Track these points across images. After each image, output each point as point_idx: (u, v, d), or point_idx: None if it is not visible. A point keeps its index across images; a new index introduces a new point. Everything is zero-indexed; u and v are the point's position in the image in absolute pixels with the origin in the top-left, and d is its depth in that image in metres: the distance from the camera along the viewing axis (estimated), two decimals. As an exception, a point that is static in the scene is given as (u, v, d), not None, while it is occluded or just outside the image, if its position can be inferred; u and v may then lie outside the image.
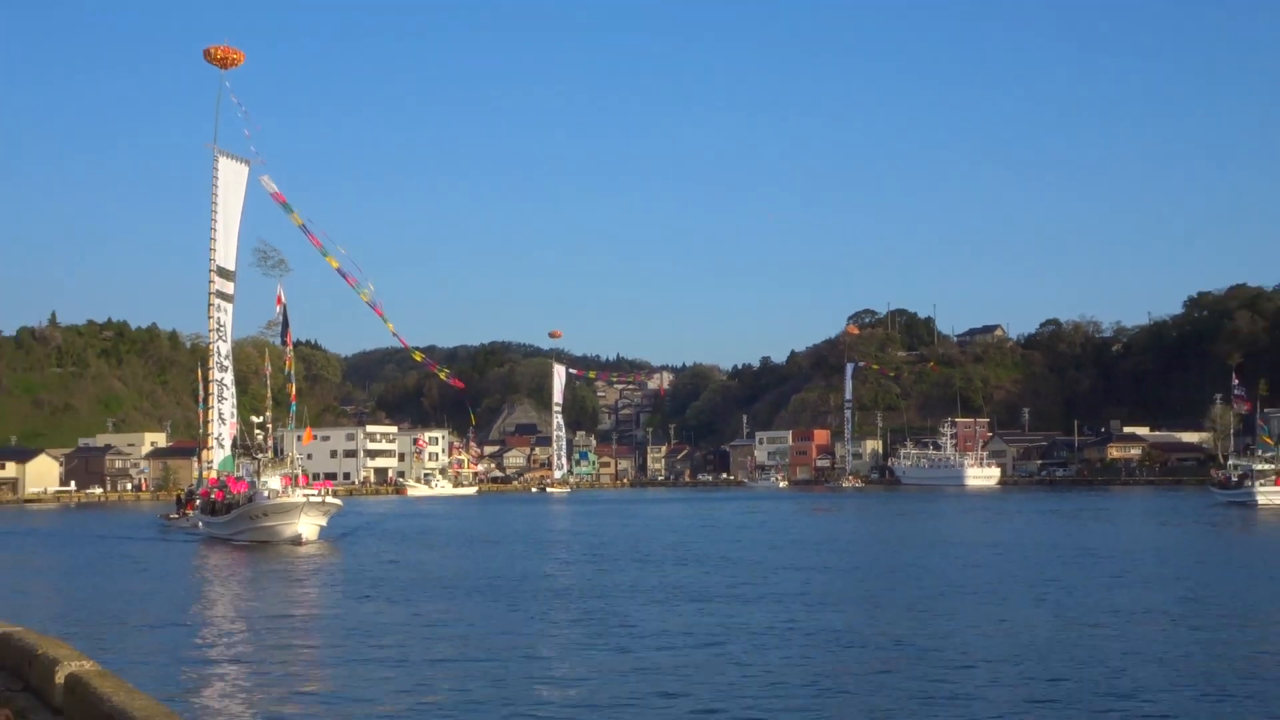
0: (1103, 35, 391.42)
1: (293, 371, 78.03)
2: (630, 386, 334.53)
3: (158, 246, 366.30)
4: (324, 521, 62.72)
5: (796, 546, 60.02)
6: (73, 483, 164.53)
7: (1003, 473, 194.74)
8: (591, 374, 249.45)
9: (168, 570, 50.39)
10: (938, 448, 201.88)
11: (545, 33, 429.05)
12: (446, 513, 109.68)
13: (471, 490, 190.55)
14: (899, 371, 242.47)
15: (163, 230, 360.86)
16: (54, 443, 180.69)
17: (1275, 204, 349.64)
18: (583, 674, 23.08)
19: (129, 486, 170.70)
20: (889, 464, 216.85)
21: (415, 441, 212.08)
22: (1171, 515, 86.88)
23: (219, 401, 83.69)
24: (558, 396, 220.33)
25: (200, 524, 71.88)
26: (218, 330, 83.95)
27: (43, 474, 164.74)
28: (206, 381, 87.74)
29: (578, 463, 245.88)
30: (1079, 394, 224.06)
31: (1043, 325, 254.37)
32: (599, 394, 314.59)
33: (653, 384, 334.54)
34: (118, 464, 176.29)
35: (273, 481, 66.73)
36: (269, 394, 77.41)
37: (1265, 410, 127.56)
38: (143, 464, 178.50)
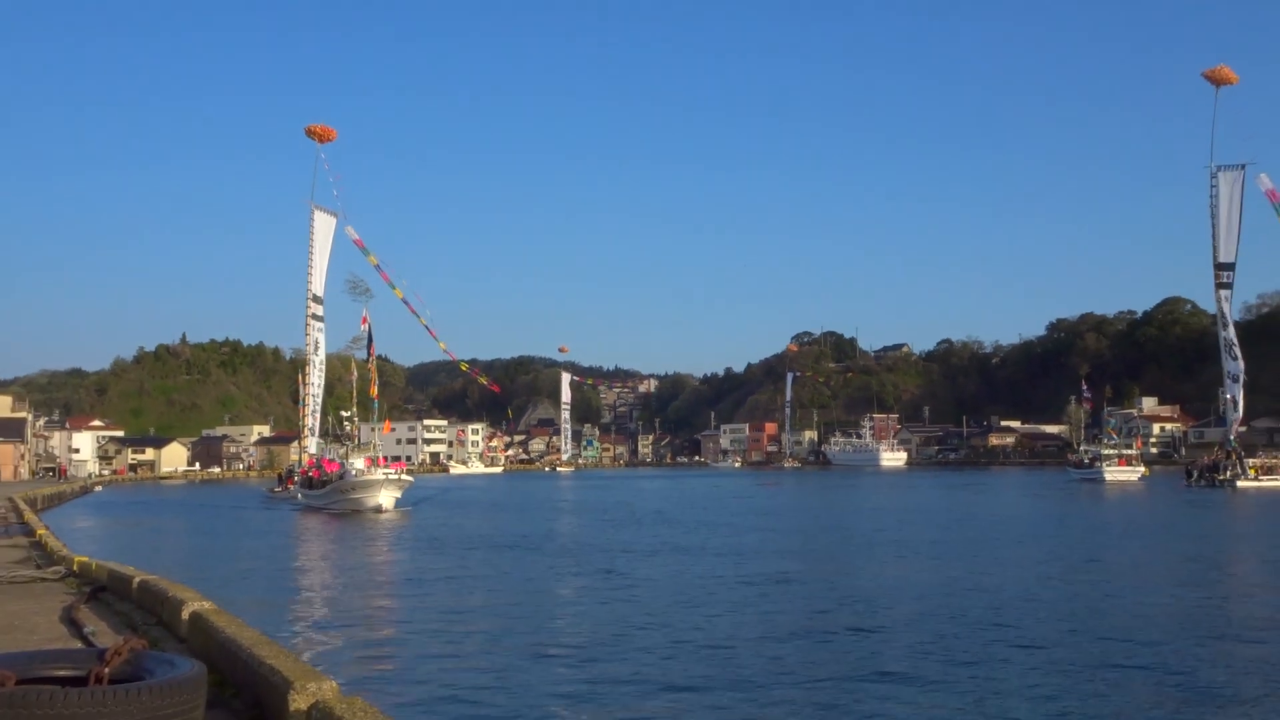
0: (993, 98, 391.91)
1: (374, 376, 77.69)
2: (625, 390, 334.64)
3: (264, 280, 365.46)
4: (399, 494, 61.64)
5: (754, 512, 59.79)
6: (197, 464, 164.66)
7: (909, 456, 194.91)
8: (590, 381, 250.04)
9: (274, 531, 49.57)
10: (860, 437, 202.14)
11: (549, 96, 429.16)
12: (482, 487, 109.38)
13: (499, 469, 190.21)
14: (830, 379, 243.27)
15: (268, 267, 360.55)
16: (183, 433, 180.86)
17: (1118, 248, 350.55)
18: (587, 608, 22.68)
19: (240, 467, 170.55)
20: (823, 449, 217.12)
21: (458, 433, 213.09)
22: (1040, 489, 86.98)
23: (313, 400, 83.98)
24: (565, 398, 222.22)
25: (300, 496, 70.93)
26: (314, 344, 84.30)
27: (174, 457, 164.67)
28: (304, 385, 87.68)
29: (585, 448, 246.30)
30: (967, 396, 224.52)
31: (939, 343, 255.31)
32: (601, 396, 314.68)
33: (643, 388, 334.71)
34: (232, 450, 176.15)
35: (358, 462, 65.96)
36: (354, 395, 76.71)
37: (1109, 409, 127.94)
38: (251, 449, 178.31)
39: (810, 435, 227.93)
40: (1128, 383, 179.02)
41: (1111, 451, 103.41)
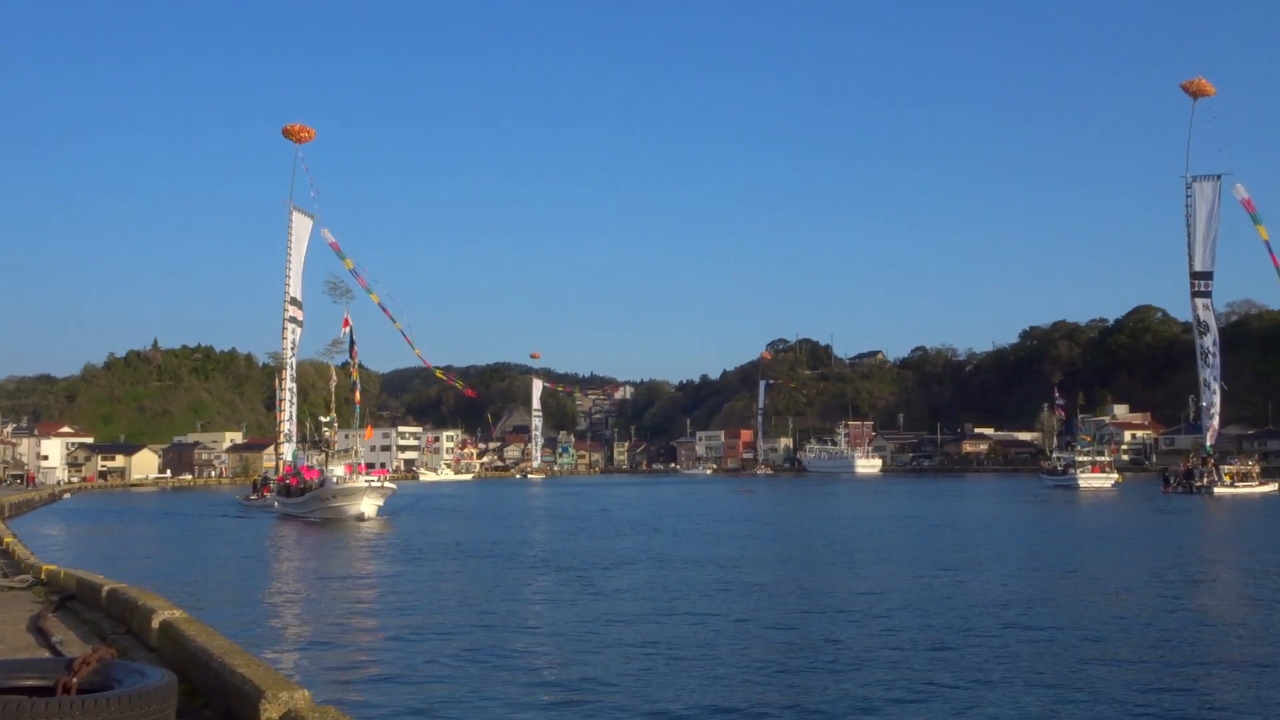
0: (950, 105, 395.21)
1: (357, 380, 76.20)
2: (601, 397, 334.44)
3: (238, 285, 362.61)
4: (381, 502, 60.40)
5: (730, 519, 59.79)
6: (168, 471, 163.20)
7: (884, 463, 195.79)
8: (561, 388, 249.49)
9: (250, 540, 48.79)
10: (835, 444, 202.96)
11: (539, 120, 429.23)
12: (454, 494, 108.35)
13: (468, 476, 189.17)
14: (805, 386, 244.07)
15: (242, 272, 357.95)
16: (154, 440, 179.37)
17: (1090, 256, 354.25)
18: (563, 619, 22.58)
19: (212, 474, 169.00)
20: (798, 456, 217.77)
21: (429, 439, 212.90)
22: (1015, 496, 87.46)
23: (289, 405, 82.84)
24: (536, 404, 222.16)
25: (277, 504, 69.48)
26: (291, 347, 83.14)
27: (145, 464, 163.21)
28: (280, 389, 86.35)
29: (560, 455, 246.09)
30: (941, 403, 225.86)
31: (914, 350, 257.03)
32: (577, 403, 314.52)
33: (619, 395, 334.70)
34: (203, 456, 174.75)
35: (337, 469, 64.57)
36: (333, 399, 75.36)
37: (1082, 416, 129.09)
38: (223, 456, 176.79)
39: (786, 442, 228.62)
40: (1099, 390, 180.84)
41: (1085, 459, 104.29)
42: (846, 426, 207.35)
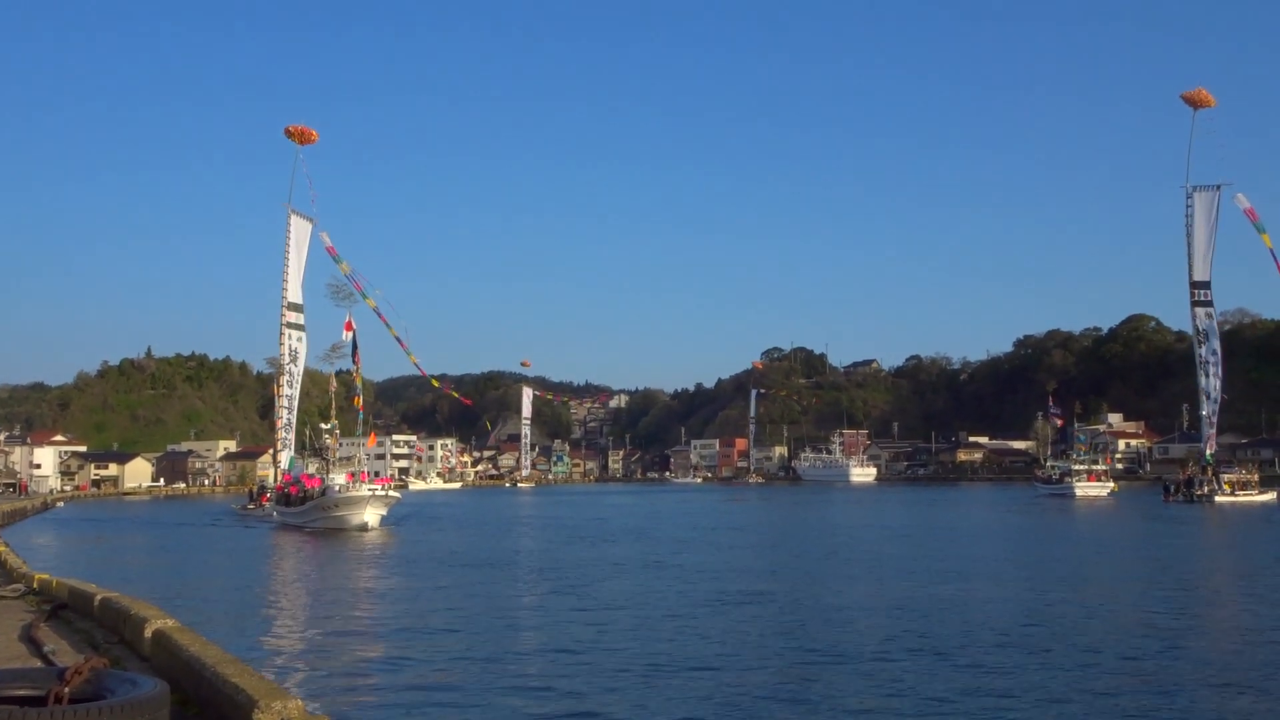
0: (952, 108, 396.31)
1: (360, 385, 74.70)
2: (596, 405, 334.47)
3: (232, 292, 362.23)
4: (385, 511, 59.09)
5: (726, 529, 59.75)
6: (161, 479, 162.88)
7: (878, 471, 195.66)
8: (549, 395, 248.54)
9: (247, 550, 48.31)
10: (829, 452, 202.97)
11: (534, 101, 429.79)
12: (444, 502, 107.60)
13: (457, 485, 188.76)
14: (799, 395, 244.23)
15: (237, 278, 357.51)
16: (148, 448, 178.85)
17: (1084, 265, 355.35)
18: (562, 629, 22.52)
19: (206, 483, 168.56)
20: (792, 465, 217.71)
21: (417, 448, 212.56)
22: (1010, 504, 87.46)
23: (287, 413, 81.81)
24: (526, 412, 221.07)
25: (275, 513, 68.30)
26: (289, 354, 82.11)
27: (138, 472, 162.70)
28: (279, 396, 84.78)
29: (555, 463, 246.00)
30: (935, 411, 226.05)
31: (908, 359, 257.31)
32: (572, 411, 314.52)
33: (614, 403, 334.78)
34: (197, 465, 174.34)
35: (338, 477, 63.27)
36: (333, 406, 73.99)
37: (1077, 425, 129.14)
38: (217, 465, 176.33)
39: (780, 451, 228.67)
40: (1094, 399, 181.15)
41: (1081, 467, 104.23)
42: (841, 435, 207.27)
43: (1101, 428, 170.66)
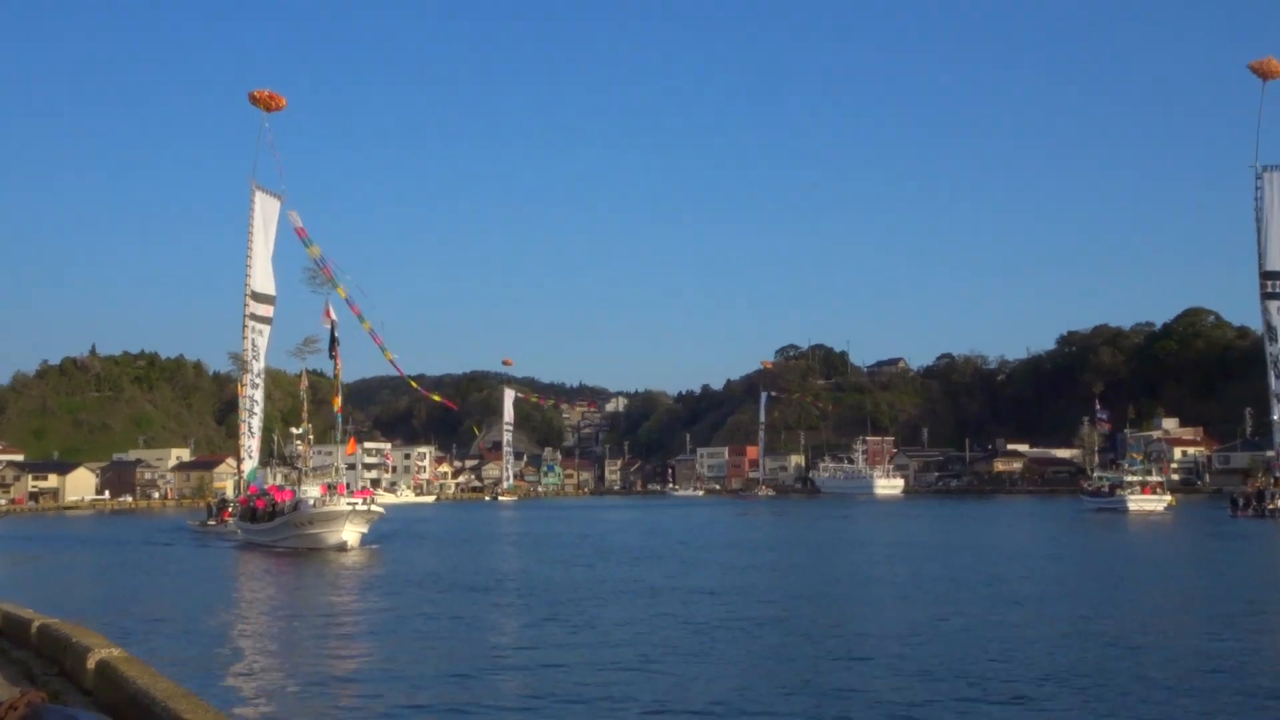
0: (989, 95, 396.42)
1: (339, 383, 72.05)
2: (590, 409, 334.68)
3: (185, 282, 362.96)
4: (366, 529, 57.89)
5: (742, 546, 59.55)
6: (107, 492, 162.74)
7: (906, 483, 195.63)
8: (534, 398, 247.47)
9: (205, 572, 47.81)
10: (851, 461, 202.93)
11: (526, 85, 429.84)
12: (417, 518, 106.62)
13: (431, 499, 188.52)
14: (818, 397, 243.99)
15: (191, 269, 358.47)
16: (91, 457, 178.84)
17: (1134, 257, 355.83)
18: (557, 661, 22.37)
19: (156, 495, 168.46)
20: (810, 475, 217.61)
21: (385, 455, 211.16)
22: (1056, 520, 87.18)
23: (249, 416, 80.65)
24: (508, 417, 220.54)
25: (239, 530, 67.22)
26: (253, 350, 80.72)
27: (81, 484, 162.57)
28: (241, 397, 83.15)
29: (545, 474, 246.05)
30: (969, 416, 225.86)
31: (939, 358, 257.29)
32: (564, 416, 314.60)
33: (610, 407, 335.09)
34: (146, 476, 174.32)
35: (312, 490, 61.79)
36: (305, 408, 72.06)
37: (1129, 431, 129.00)
38: (169, 476, 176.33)
39: (797, 460, 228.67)
40: (1146, 402, 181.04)
41: (1134, 478, 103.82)
42: (864, 442, 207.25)
43: (1155, 434, 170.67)
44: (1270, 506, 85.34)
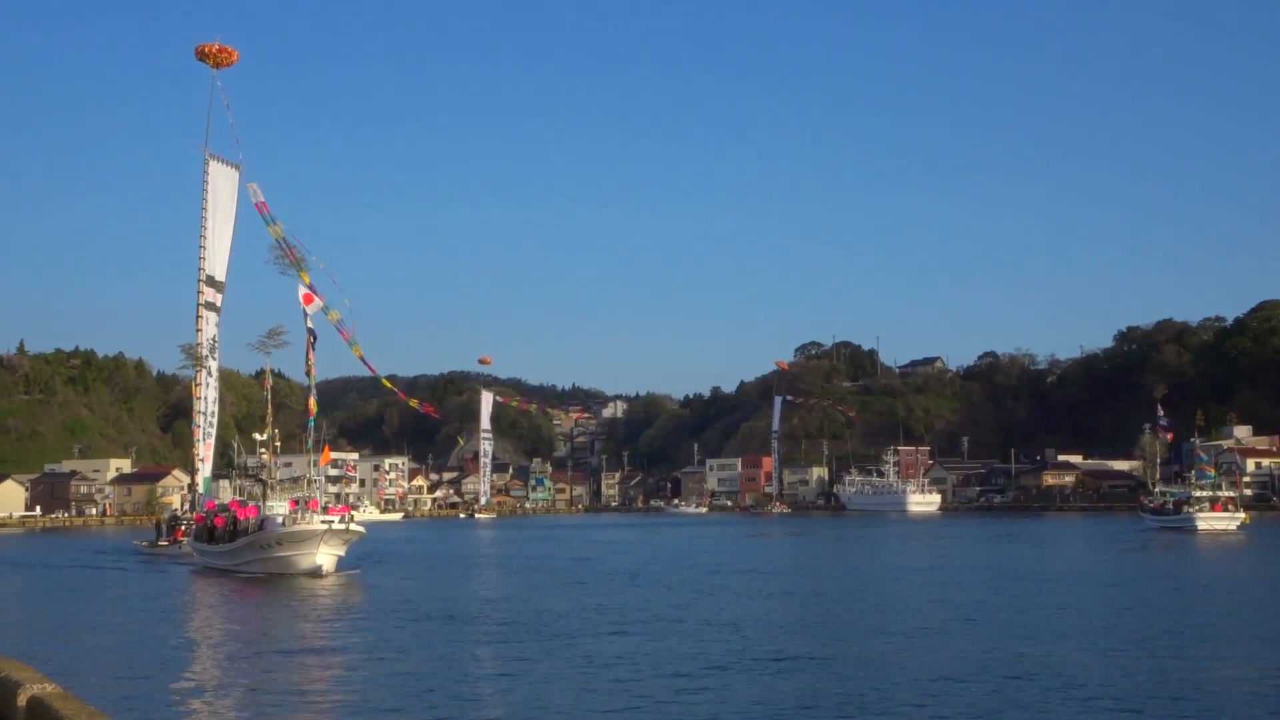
0: (1042, 71, 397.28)
1: (313, 379, 69.07)
2: (586, 415, 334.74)
3: (126, 270, 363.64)
4: (343, 551, 56.46)
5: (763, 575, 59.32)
6: (38, 508, 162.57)
7: (943, 499, 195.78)
8: (514, 401, 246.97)
9: (154, 599, 47.22)
10: (881, 474, 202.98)
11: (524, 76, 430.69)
12: (380, 539, 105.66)
13: (398, 516, 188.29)
14: (844, 401, 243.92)
15: (130, 251, 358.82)
16: (20, 468, 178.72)
17: (1201, 243, 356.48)
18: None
19: (93, 512, 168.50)
20: (834, 490, 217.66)
21: (347, 467, 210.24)
22: (1117, 541, 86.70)
23: (206, 420, 79.44)
24: (485, 423, 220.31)
25: (194, 552, 65.86)
26: (208, 344, 79.71)
27: (8, 499, 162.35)
28: (196, 398, 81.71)
29: (534, 488, 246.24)
30: (1015, 423, 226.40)
31: (981, 357, 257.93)
32: (556, 423, 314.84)
33: (608, 412, 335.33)
34: (82, 489, 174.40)
35: (278, 505, 60.30)
36: (269, 411, 70.13)
37: (1197, 438, 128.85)
38: (107, 489, 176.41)
39: (819, 473, 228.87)
40: (1215, 407, 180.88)
41: (1204, 494, 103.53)
42: (895, 453, 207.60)
43: (1226, 443, 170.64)
44: None
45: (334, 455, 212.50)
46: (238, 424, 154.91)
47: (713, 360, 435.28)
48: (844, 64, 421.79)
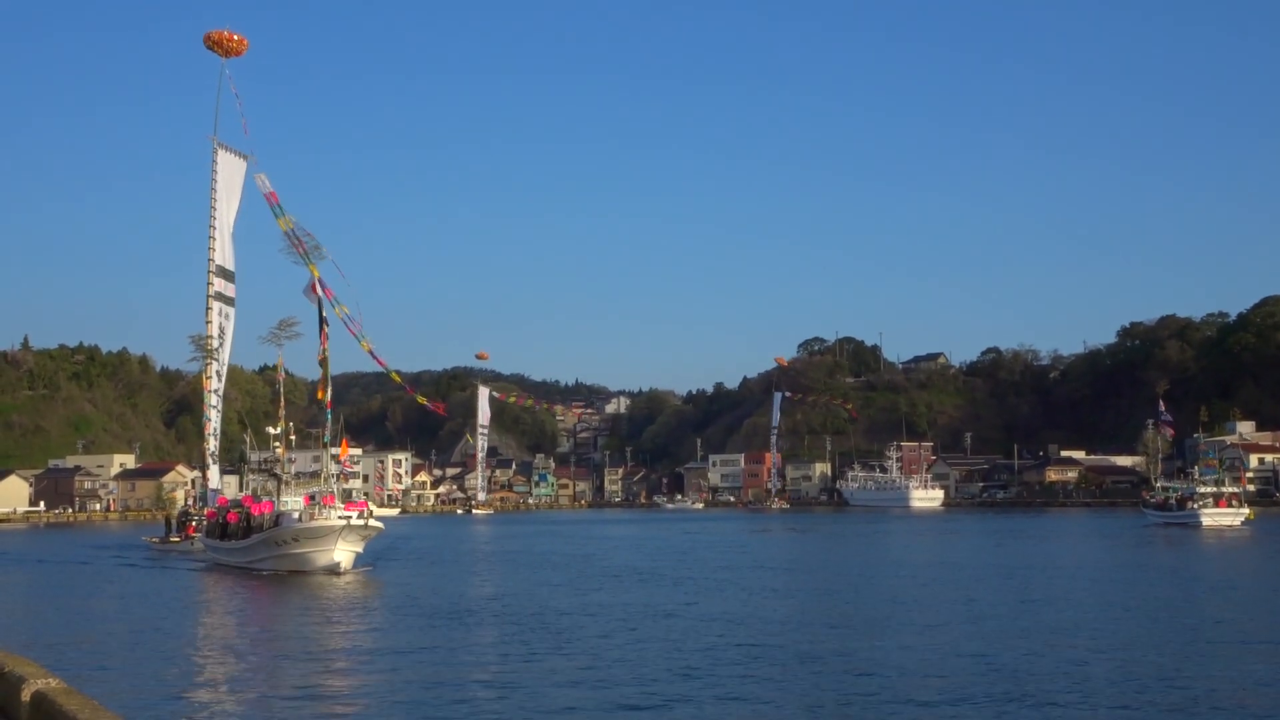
0: (1045, 69, 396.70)
1: (326, 371, 67.09)
2: (589, 411, 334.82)
3: (130, 265, 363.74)
4: (360, 548, 55.59)
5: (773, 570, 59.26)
6: (42, 503, 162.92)
7: (945, 495, 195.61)
8: (512, 398, 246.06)
9: (163, 597, 46.75)
10: (884, 470, 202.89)
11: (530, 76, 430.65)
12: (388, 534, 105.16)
13: (394, 511, 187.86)
14: (846, 396, 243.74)
15: (134, 246, 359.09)
16: (24, 464, 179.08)
17: (1205, 239, 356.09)
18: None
19: (97, 507, 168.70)
20: (837, 486, 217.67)
21: (345, 464, 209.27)
22: (1123, 537, 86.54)
23: (216, 414, 78.54)
24: (482, 419, 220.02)
25: (204, 548, 65.35)
26: (218, 335, 78.99)
27: (12, 494, 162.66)
28: (207, 390, 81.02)
29: (537, 484, 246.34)
30: (1018, 419, 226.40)
31: (984, 353, 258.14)
32: (559, 418, 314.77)
33: (611, 408, 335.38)
34: (86, 485, 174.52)
35: (292, 500, 59.25)
36: (281, 404, 68.26)
37: (1201, 433, 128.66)
38: (111, 485, 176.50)
39: (822, 469, 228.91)
40: (1219, 402, 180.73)
41: (1208, 489, 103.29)
42: (898, 448, 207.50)
43: (1229, 439, 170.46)
44: None
45: (333, 452, 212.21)
46: (240, 419, 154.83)
47: (716, 356, 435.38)
48: (847, 64, 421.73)
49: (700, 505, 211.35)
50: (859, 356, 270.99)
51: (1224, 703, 21.16)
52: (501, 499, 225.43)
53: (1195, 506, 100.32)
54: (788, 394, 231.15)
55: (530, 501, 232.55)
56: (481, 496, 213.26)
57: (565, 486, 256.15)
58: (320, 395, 66.20)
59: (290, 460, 66.40)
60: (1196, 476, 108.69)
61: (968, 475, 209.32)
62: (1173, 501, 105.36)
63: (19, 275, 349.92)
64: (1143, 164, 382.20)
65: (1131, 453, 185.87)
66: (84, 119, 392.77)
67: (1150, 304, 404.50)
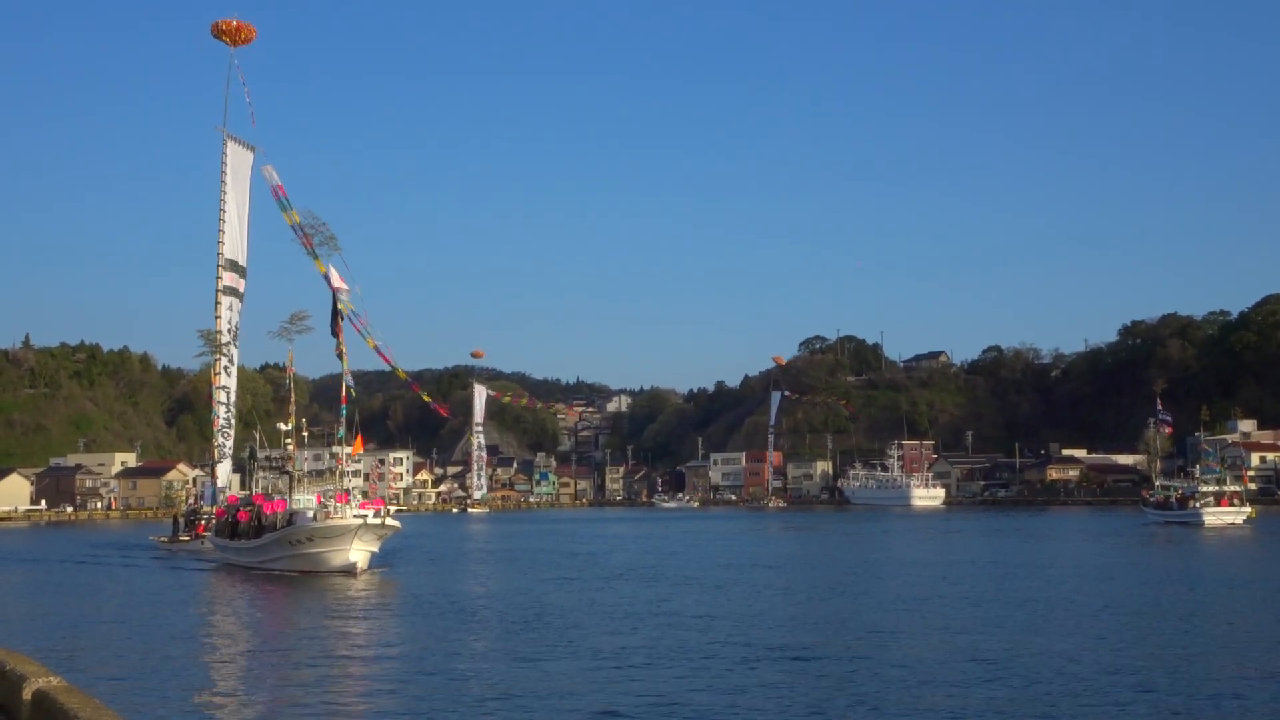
0: (1046, 69, 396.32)
1: (346, 367, 65.79)
2: (590, 410, 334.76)
3: (131, 263, 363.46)
4: (376, 548, 54.19)
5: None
6: (43, 502, 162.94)
7: (947, 493, 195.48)
8: (507, 397, 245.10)
9: (170, 596, 46.33)
10: (885, 469, 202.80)
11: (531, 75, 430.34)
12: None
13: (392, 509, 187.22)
14: (847, 395, 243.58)
15: (136, 243, 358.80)
16: (25, 462, 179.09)
17: (1206, 238, 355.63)
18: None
19: (99, 506, 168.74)
20: (838, 484, 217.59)
21: (336, 461, 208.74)
22: (1124, 536, 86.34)
23: (226, 410, 77.63)
24: (478, 417, 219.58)
25: (215, 548, 64.30)
26: (228, 330, 78.16)
27: (13, 493, 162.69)
28: (216, 386, 79.97)
29: (538, 483, 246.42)
30: (1020, 417, 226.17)
31: (985, 351, 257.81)
32: (559, 417, 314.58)
33: (612, 407, 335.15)
34: (88, 483, 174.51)
35: (303, 499, 57.89)
36: (292, 400, 67.78)
37: (1202, 432, 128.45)
38: (113, 483, 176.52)
39: (823, 467, 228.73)
40: (1220, 401, 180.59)
41: (1210, 488, 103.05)
42: (900, 447, 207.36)
43: (1230, 437, 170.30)
44: None
45: (334, 450, 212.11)
46: (242, 418, 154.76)
47: (717, 355, 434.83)
48: (847, 64, 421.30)
49: (696, 504, 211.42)
50: (860, 355, 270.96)
51: (1225, 703, 21.20)
52: (503, 497, 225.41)
53: (1197, 505, 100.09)
54: (787, 393, 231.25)
55: (531, 500, 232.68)
56: (479, 495, 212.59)
57: (566, 485, 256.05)
58: (346, 392, 64.94)
59: (311, 455, 65.23)
60: (1198, 475, 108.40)
61: (969, 474, 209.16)
62: (1173, 500, 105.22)
63: (20, 273, 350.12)
64: (1143, 163, 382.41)
65: (1133, 451, 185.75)
66: (84, 118, 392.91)
67: (1151, 302, 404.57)
